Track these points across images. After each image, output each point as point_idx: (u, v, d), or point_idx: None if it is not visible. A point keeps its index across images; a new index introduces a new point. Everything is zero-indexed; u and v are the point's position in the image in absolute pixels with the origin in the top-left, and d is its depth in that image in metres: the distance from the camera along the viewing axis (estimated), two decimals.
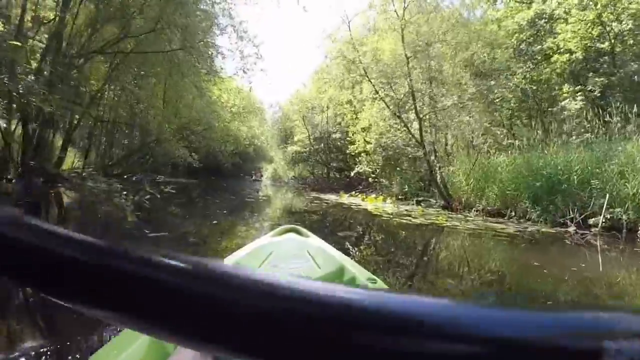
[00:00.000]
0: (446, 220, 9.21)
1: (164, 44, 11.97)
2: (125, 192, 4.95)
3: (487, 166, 12.04)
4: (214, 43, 15.57)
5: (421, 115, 13.38)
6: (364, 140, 18.23)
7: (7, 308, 2.45)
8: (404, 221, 8.69)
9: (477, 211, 11.28)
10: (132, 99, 15.93)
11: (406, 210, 11.72)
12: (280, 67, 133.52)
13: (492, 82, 14.13)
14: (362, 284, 1.62)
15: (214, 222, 6.49)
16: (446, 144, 15.85)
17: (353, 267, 1.92)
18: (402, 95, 13.99)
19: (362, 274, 1.81)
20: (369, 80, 14.48)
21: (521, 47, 15.08)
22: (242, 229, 6.40)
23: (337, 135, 24.49)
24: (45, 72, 10.60)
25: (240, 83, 24.90)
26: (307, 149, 26.58)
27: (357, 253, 4.54)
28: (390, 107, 14.27)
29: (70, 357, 1.81)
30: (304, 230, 2.72)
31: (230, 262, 1.80)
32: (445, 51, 14.41)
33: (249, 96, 32.06)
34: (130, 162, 17.00)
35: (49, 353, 1.84)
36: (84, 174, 13.52)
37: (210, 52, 15.31)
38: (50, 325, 2.23)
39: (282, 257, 1.91)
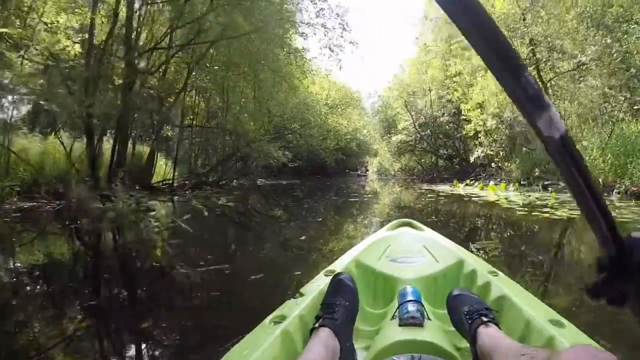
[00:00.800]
0: None
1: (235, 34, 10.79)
2: (153, 211, 3.58)
3: (627, 137, 9.95)
4: (289, 18, 13.76)
5: (545, 81, 11.13)
6: (481, 118, 15.49)
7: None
8: (545, 215, 6.69)
9: (619, 193, 9.40)
10: (219, 102, 15.34)
11: (536, 198, 9.63)
12: (373, 53, 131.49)
13: (609, 40, 11.24)
14: (484, 278, 1.60)
15: (292, 247, 5.03)
16: (576, 115, 13.05)
17: (472, 260, 1.81)
18: (525, 56, 11.58)
19: (482, 267, 1.71)
20: None
21: None
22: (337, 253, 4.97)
23: (444, 119, 22.20)
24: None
25: (328, 65, 22.92)
26: (413, 137, 24.62)
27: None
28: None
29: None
30: (418, 223, 2.59)
31: (349, 256, 1.88)
32: None
33: (344, 88, 30.83)
34: (226, 168, 16.48)
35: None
36: (175, 184, 13.15)
37: (287, 29, 13.53)
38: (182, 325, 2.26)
39: (400, 250, 1.94)
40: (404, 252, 1.92)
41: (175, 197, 10.66)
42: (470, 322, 1.16)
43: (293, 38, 15.59)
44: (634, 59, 11.55)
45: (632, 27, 11.29)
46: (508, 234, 5.52)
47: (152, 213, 3.53)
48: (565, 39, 11.79)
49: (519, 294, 1.42)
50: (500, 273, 1.64)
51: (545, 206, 7.89)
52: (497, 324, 1.13)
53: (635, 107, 11.38)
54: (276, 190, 15.72)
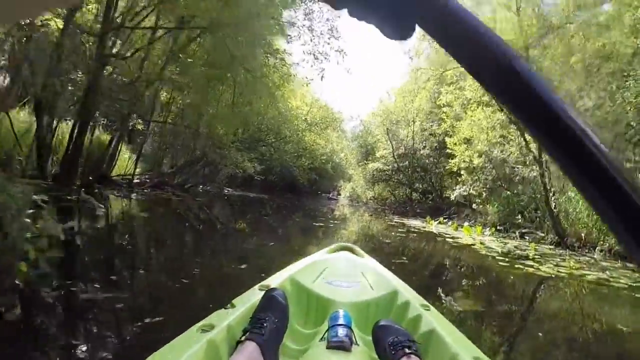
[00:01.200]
0: (578, 268, 6.44)
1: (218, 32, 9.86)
2: (33, 210, 2.59)
3: None
4: (275, 17, 12.53)
5: None
6: (467, 154, 14.59)
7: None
8: (529, 270, 5.95)
9: (602, 251, 8.86)
10: (194, 102, 14.35)
11: (515, 247, 8.97)
12: (361, 78, 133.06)
13: (613, 86, 10.91)
14: (416, 311, 1.60)
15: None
16: None
17: (406, 292, 1.80)
18: None
19: (415, 299, 1.72)
20: None
21: None
22: None
23: (425, 152, 21.65)
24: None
25: (310, 74, 21.84)
26: (390, 166, 24.00)
27: None
28: (505, 110, 11.39)
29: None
30: (359, 249, 2.54)
31: (286, 275, 1.82)
32: (576, 35, 11.35)
33: (326, 107, 30.22)
34: (192, 172, 15.48)
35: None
36: (135, 181, 12.25)
37: (270, 25, 12.07)
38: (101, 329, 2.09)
39: (336, 274, 1.91)
40: (341, 275, 1.90)
41: (133, 195, 10.01)
42: (393, 352, 1.16)
43: (274, 39, 14.61)
44: (628, 115, 11.13)
45: (628, 82, 10.91)
46: (490, 291, 4.71)
47: (31, 211, 2.53)
48: (566, 81, 11.35)
49: (447, 330, 1.41)
50: (432, 307, 1.64)
51: (527, 258, 7.17)
52: (419, 356, 1.15)
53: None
54: (242, 202, 14.84)
